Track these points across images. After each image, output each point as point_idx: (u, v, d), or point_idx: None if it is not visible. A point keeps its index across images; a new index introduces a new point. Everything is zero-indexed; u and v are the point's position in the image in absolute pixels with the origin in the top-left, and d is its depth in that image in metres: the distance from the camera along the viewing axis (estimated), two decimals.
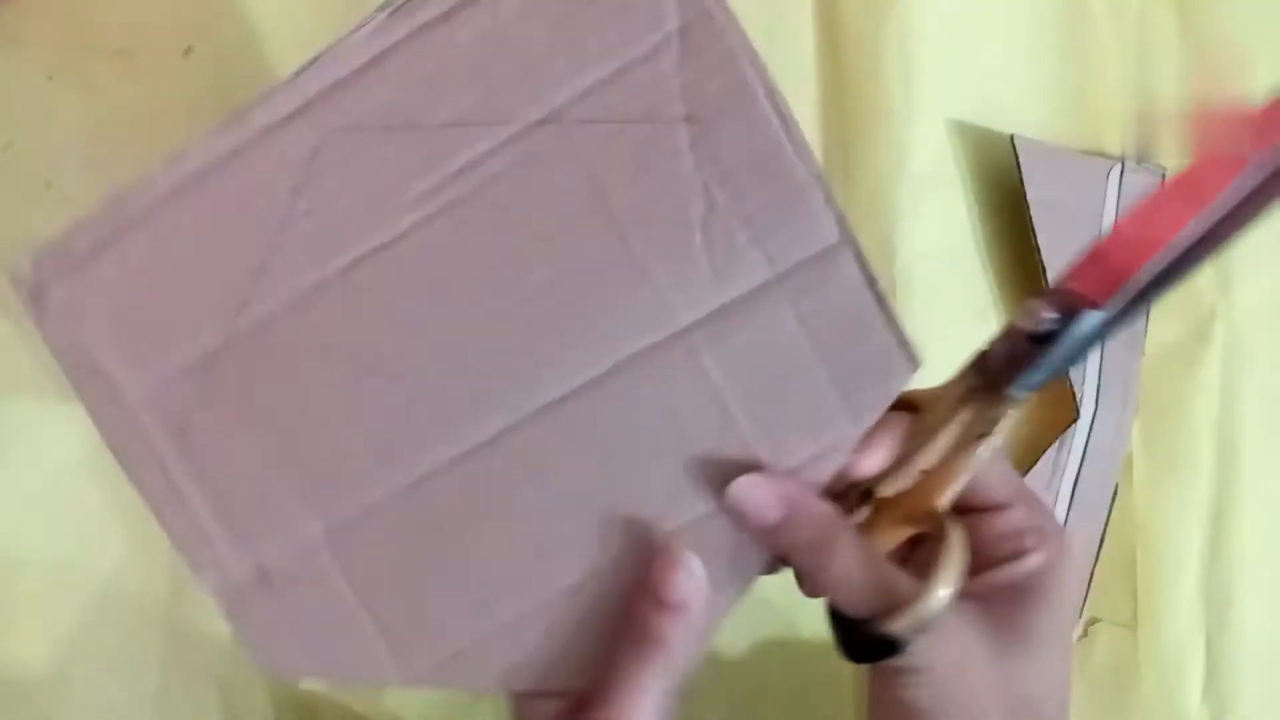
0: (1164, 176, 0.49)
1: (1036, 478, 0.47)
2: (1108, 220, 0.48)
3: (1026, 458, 0.48)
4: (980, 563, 0.32)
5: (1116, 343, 0.48)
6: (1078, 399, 0.47)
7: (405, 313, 0.32)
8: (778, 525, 0.31)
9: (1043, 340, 0.29)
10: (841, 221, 0.31)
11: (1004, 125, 0.48)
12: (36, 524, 0.41)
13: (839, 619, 0.30)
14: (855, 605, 0.30)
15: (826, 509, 0.31)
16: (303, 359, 0.32)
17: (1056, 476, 0.48)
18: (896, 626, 0.28)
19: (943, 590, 0.28)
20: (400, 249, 0.32)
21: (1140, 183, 0.49)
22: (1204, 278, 0.50)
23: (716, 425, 0.32)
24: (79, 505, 0.41)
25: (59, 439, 0.41)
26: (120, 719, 0.41)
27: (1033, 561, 0.31)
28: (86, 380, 0.32)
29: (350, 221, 0.32)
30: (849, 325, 0.32)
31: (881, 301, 0.32)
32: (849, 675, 0.47)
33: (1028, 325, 0.30)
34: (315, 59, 0.31)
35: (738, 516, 0.32)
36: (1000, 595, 0.31)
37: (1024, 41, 0.49)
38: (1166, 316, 0.50)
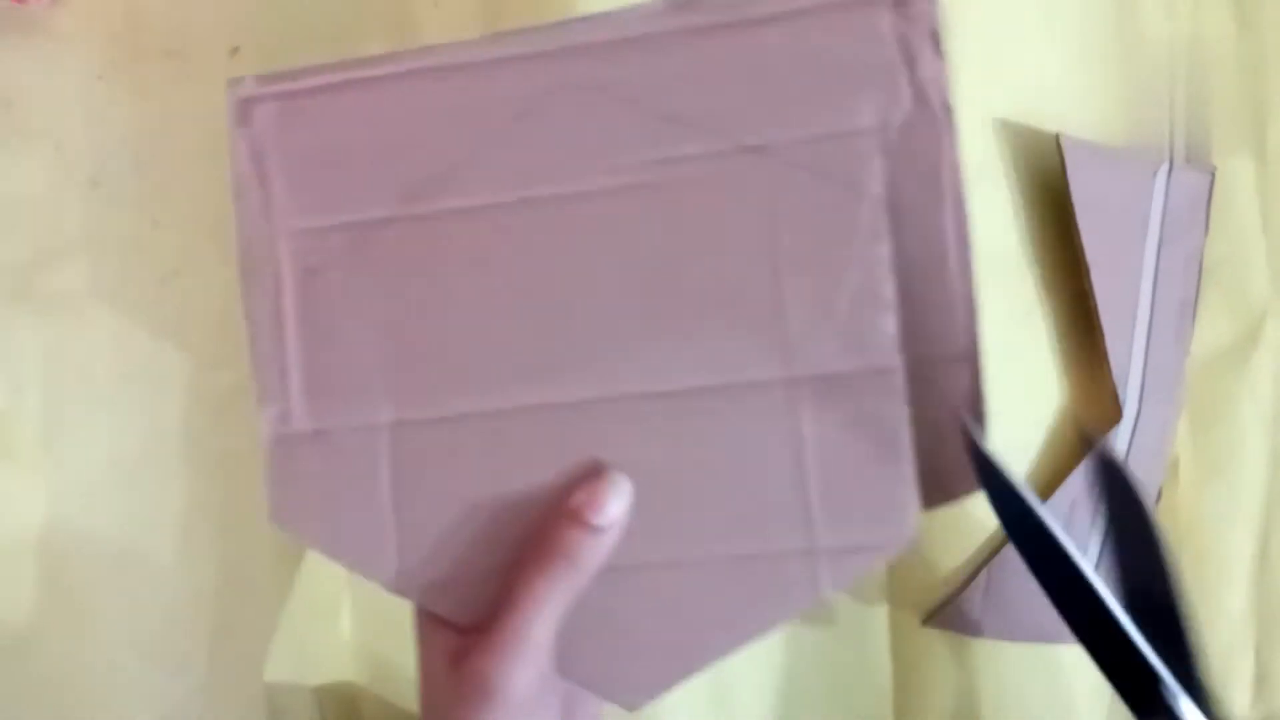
0: (1213, 177, 0.48)
1: (1077, 479, 0.47)
2: (1154, 221, 0.47)
3: (1068, 458, 0.47)
4: None
5: (1162, 340, 0.47)
6: (1121, 398, 0.46)
7: (560, 259, 0.34)
8: None
9: None
10: (974, 340, 0.33)
11: (1049, 124, 0.47)
12: (91, 517, 0.42)
13: None
14: None
15: None
16: (454, 259, 0.34)
17: None
18: None
19: None
20: (580, 205, 0.34)
21: (1190, 183, 0.48)
22: (1257, 276, 0.49)
23: (786, 479, 0.34)
24: (134, 500, 0.42)
25: (116, 435, 0.42)
26: (168, 711, 0.42)
27: None
28: (250, 188, 0.35)
29: (548, 162, 0.34)
30: (947, 433, 0.33)
31: (981, 421, 0.33)
32: (888, 673, 0.47)
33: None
34: (586, 19, 0.34)
35: None
36: None
37: (1071, 37, 0.48)
38: (1216, 315, 0.49)
